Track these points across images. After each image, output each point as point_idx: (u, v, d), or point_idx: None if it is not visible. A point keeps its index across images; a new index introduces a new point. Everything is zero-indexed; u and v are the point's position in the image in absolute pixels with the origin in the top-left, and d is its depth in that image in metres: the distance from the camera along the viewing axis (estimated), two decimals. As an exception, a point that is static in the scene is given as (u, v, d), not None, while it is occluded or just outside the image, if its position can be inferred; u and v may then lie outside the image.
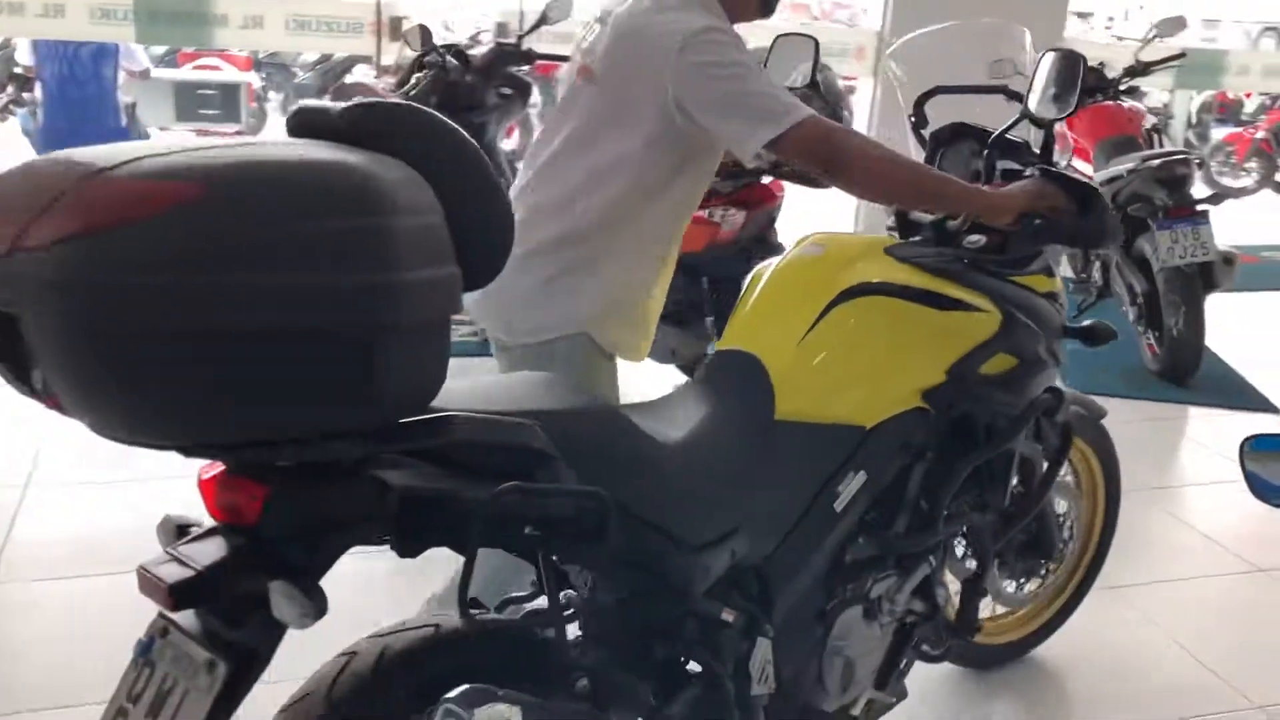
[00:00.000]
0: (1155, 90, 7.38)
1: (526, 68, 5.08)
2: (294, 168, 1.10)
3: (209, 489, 1.25)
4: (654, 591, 1.55)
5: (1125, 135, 5.00)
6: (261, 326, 1.05)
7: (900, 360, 1.87)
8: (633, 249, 2.02)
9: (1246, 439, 1.39)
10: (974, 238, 2.04)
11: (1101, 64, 5.37)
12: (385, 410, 1.19)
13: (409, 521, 1.30)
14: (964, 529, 2.09)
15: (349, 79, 9.50)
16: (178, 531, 1.30)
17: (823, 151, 1.85)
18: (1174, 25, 5.47)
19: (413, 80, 4.71)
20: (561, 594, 1.49)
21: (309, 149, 1.14)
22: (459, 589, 1.33)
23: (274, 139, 1.19)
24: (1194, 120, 11.39)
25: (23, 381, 1.13)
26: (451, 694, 1.30)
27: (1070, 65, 1.97)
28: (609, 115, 1.94)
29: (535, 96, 6.27)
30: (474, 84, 4.77)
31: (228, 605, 1.23)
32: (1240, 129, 10.80)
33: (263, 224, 1.04)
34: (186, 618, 1.26)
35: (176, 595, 1.18)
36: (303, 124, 1.25)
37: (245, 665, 1.21)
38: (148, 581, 1.19)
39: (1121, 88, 5.16)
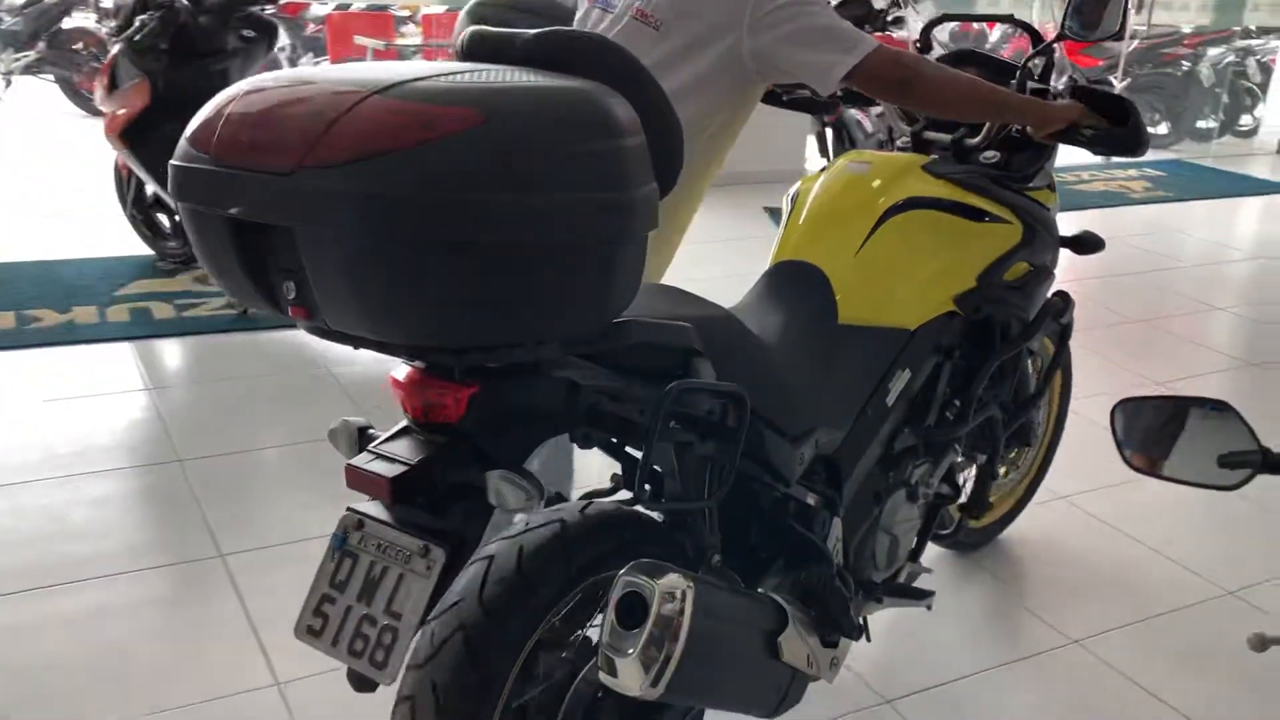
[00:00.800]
0: (915, 21, 7.49)
1: (271, 8, 4.62)
2: (549, 96, 1.21)
3: (407, 389, 1.36)
4: (760, 479, 1.74)
5: None
6: (529, 240, 1.16)
7: (941, 268, 2.06)
8: (687, 191, 2.04)
9: (1118, 402, 1.30)
10: (989, 154, 2.24)
11: (870, -9, 5.32)
12: (607, 315, 1.31)
13: (593, 417, 1.48)
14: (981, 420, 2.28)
15: (67, 23, 8.53)
16: (359, 434, 1.46)
17: (895, 75, 1.97)
18: None
19: (136, 23, 4.16)
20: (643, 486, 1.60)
21: (543, 78, 1.25)
22: (639, 475, 1.50)
23: (493, 66, 1.27)
24: (939, 50, 11.66)
25: (264, 293, 1.24)
26: (626, 568, 1.35)
27: None
28: (677, 62, 1.97)
29: (282, 39, 5.75)
30: (209, 26, 4.28)
31: (437, 496, 1.36)
32: (984, 58, 11.19)
33: (534, 148, 1.15)
34: (380, 511, 1.40)
35: (397, 488, 1.32)
36: (481, 50, 1.35)
37: (457, 549, 1.36)
38: (361, 477, 1.35)
39: (889, 18, 5.12)
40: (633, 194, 1.22)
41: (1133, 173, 8.16)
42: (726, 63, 1.98)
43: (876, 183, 2.06)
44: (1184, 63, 9.19)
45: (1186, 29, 9.65)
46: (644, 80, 1.36)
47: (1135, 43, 9.08)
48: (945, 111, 2.18)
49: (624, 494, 1.60)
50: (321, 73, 1.23)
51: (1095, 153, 2.14)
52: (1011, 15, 2.58)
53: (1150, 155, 8.83)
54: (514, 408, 1.39)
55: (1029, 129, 2.16)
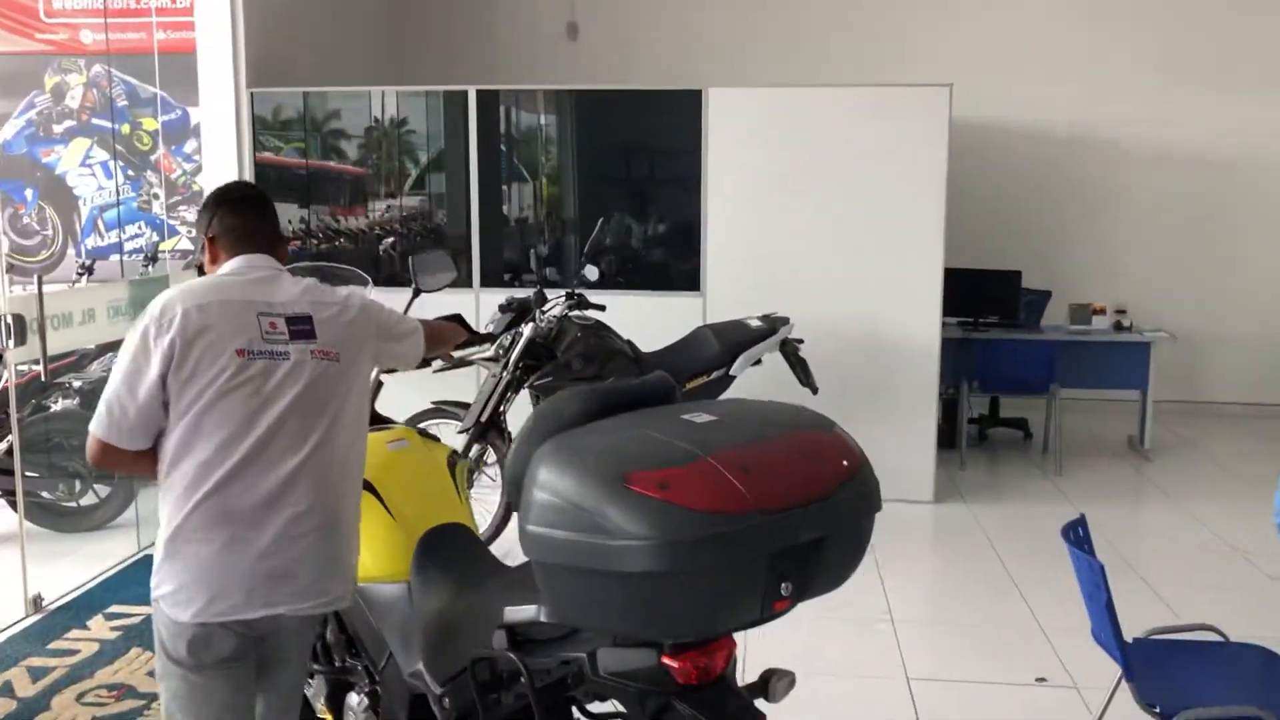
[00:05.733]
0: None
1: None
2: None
3: (718, 652, 1.90)
4: None
5: None
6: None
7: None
8: (360, 457, 2.48)
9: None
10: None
11: None
12: None
13: None
14: None
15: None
16: None
17: (437, 337, 2.72)
18: None
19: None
20: None
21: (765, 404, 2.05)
22: None
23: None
24: None
25: (758, 603, 1.76)
26: None
27: (440, 256, 3.52)
28: (358, 379, 2.43)
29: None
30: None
31: None
32: None
33: None
34: None
35: None
36: (620, 401, 2.01)
37: None
38: None
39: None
40: None
41: None
42: (369, 366, 2.50)
43: (425, 450, 2.81)
44: None
45: None
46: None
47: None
48: (440, 347, 2.82)
49: None
50: (718, 429, 1.85)
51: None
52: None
53: None
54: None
55: (454, 349, 2.93)
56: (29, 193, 9.77)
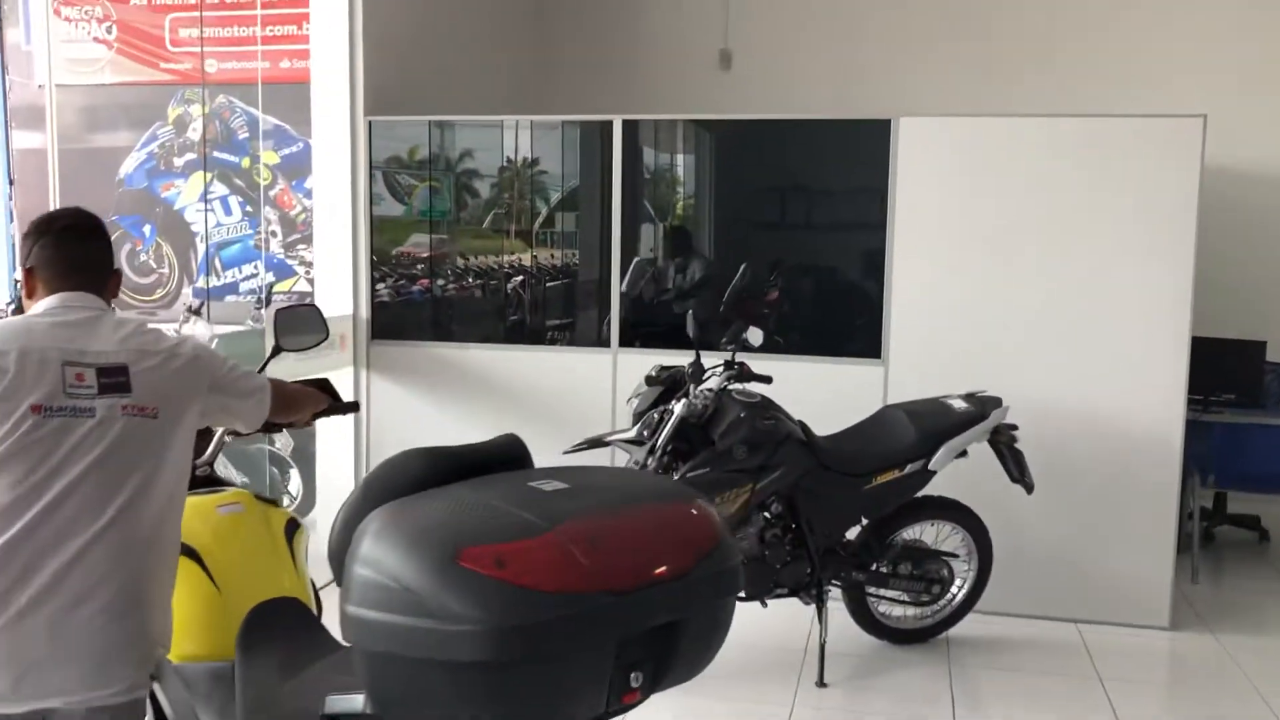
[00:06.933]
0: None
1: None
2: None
3: None
4: None
5: None
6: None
7: None
8: (175, 525, 2.26)
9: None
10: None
11: None
12: None
13: None
14: None
15: None
16: None
17: (281, 399, 2.46)
18: None
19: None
20: None
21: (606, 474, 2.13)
22: None
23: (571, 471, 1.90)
24: None
25: (605, 697, 1.65)
26: None
27: (308, 311, 3.10)
28: (178, 439, 2.19)
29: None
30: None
31: None
32: None
33: None
34: None
35: None
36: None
37: None
38: None
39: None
40: None
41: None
42: (195, 422, 2.24)
43: (261, 516, 2.58)
44: None
45: None
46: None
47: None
48: (292, 413, 2.58)
49: None
50: (566, 498, 1.74)
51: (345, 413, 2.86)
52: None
53: None
54: None
55: (313, 413, 2.67)
56: (147, 229, 9.30)
